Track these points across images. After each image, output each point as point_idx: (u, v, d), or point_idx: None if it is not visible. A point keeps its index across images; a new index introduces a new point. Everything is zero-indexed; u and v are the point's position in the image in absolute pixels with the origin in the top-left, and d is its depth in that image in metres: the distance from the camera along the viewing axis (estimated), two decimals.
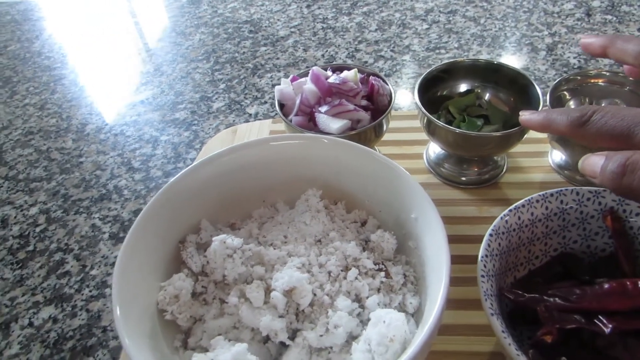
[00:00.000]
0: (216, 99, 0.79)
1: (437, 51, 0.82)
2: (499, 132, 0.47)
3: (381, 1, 0.99)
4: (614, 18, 0.84)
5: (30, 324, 0.51)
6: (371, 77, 0.52)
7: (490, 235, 0.38)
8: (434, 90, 0.55)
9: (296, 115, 0.50)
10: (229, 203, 0.44)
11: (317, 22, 0.95)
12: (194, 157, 0.68)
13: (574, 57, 0.77)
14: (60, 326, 0.50)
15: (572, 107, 0.53)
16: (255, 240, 0.41)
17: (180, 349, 0.36)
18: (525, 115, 0.36)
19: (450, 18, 0.90)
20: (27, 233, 0.61)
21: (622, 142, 0.28)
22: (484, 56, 0.80)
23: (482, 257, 0.36)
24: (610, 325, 0.34)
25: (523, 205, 0.39)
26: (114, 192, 0.65)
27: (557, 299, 0.36)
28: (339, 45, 0.87)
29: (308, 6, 1.00)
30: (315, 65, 0.68)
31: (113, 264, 0.55)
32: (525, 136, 0.49)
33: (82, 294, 0.53)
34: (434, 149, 0.58)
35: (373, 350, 0.32)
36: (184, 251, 0.40)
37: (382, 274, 0.38)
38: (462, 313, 0.43)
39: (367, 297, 0.36)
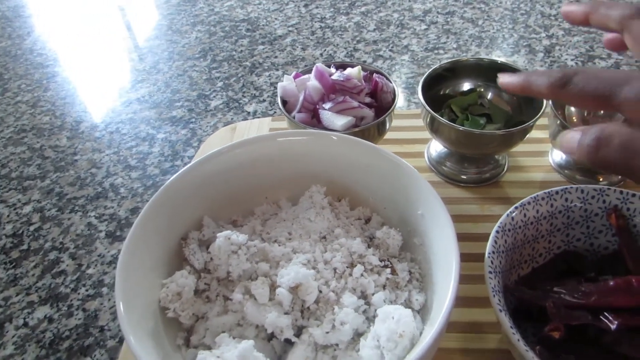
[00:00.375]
0: (214, 97, 0.78)
1: (436, 51, 0.83)
2: (502, 130, 0.47)
3: (379, 1, 0.99)
4: None
5: (25, 324, 0.50)
6: (374, 75, 0.51)
7: (497, 232, 0.37)
8: (436, 88, 0.55)
9: (299, 112, 0.49)
10: (230, 200, 0.43)
11: (315, 22, 0.95)
12: (192, 155, 0.67)
13: (572, 59, 0.77)
14: (56, 326, 0.49)
15: (572, 110, 0.53)
16: (259, 237, 0.41)
17: (182, 347, 0.36)
18: (504, 78, 0.35)
19: (449, 19, 0.91)
20: (20, 232, 0.60)
21: (604, 103, 0.28)
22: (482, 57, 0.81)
23: (490, 253, 0.36)
24: (616, 322, 0.34)
25: (529, 203, 0.39)
26: (110, 190, 0.64)
27: (563, 295, 0.36)
28: (337, 45, 0.87)
29: (305, 5, 1.00)
30: (314, 63, 0.68)
31: (110, 263, 0.54)
32: (527, 136, 0.49)
33: (79, 293, 0.52)
34: (435, 148, 0.57)
35: (382, 346, 0.31)
36: (186, 248, 0.39)
37: (388, 270, 0.37)
38: (465, 310, 0.42)
39: (373, 294, 0.36)
